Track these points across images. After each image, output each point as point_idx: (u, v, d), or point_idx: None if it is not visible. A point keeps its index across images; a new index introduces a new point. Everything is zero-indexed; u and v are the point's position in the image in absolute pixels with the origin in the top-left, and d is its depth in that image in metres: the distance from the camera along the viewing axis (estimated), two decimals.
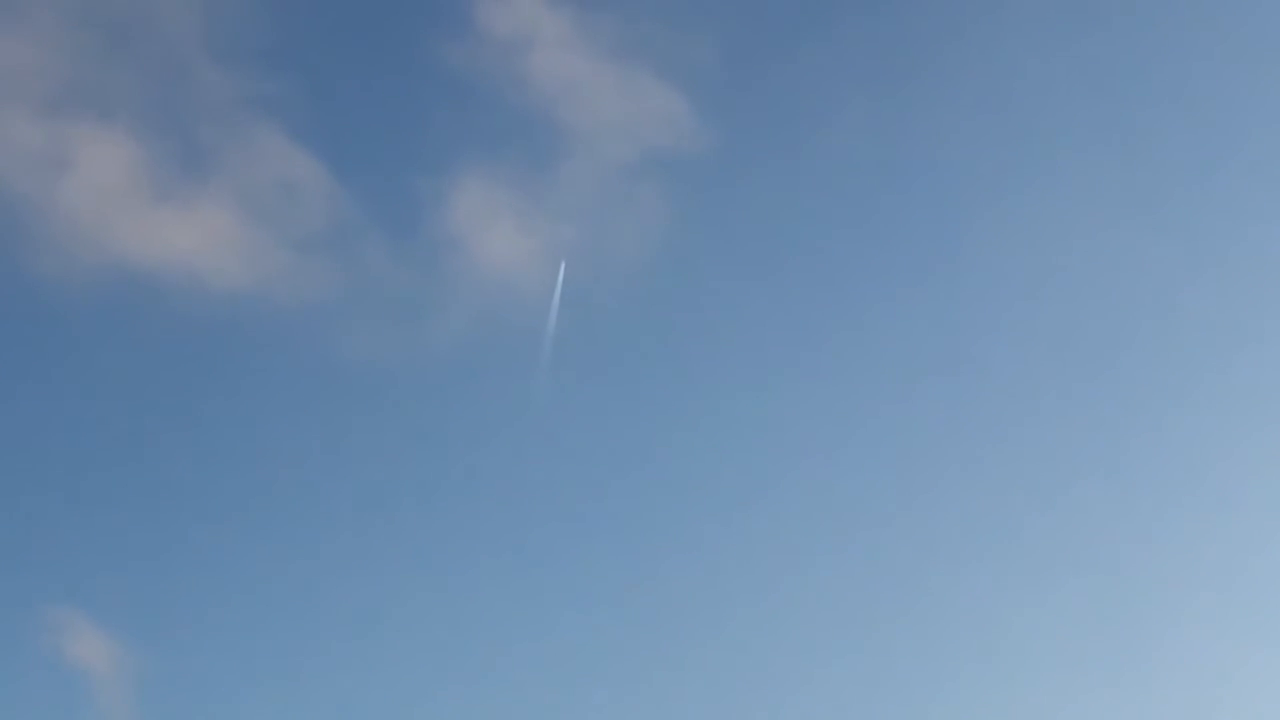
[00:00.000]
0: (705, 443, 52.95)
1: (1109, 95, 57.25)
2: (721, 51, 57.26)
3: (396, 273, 54.48)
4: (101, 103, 54.91)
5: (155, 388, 52.61)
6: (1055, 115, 57.06)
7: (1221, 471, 52.11)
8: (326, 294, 53.78)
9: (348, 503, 51.39)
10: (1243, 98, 56.45)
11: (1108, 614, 49.66)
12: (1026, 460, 52.68)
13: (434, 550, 51.05)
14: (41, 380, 52.23)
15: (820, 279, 56.06)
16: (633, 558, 51.16)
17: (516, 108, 56.23)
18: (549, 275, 54.19)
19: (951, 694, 48.14)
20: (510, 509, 51.53)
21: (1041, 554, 51.00)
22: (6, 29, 54.39)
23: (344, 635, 49.04)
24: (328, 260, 54.28)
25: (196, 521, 50.57)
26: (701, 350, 54.61)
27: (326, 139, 55.67)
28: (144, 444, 51.79)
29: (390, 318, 54.01)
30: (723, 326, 54.87)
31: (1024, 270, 55.53)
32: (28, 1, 54.72)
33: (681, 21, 57.31)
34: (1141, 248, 55.22)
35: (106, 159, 53.99)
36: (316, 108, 56.19)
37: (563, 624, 49.69)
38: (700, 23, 57.36)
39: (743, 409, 53.46)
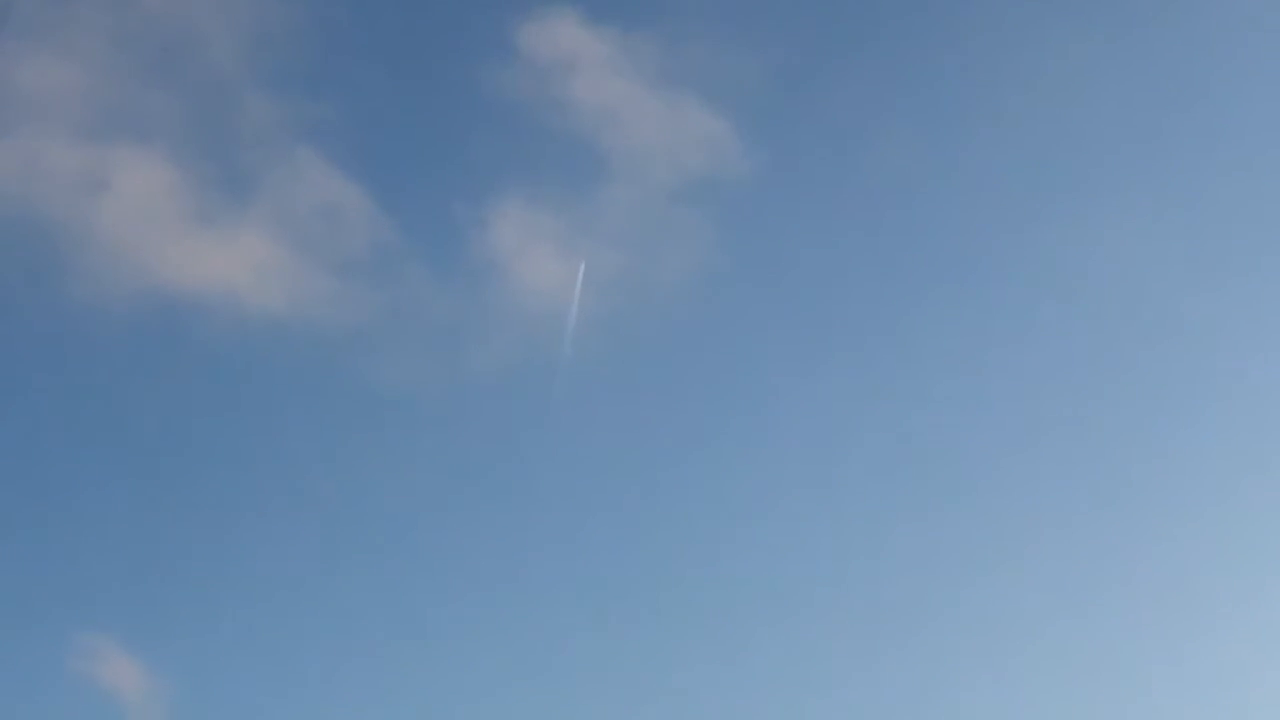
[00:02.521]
0: (748, 470, 52.46)
1: (1163, 122, 56.80)
2: (767, 75, 56.87)
3: (437, 298, 54.19)
4: (141, 126, 54.92)
5: (192, 413, 52.41)
6: (1110, 138, 56.59)
7: (1241, 486, 51.42)
8: (366, 319, 53.52)
9: (385, 529, 50.98)
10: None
11: (1123, 628, 49.22)
12: (1048, 475, 52.06)
13: (472, 577, 50.55)
14: (77, 405, 52.15)
15: (867, 306, 55.60)
16: (673, 589, 50.46)
17: (558, 132, 55.91)
18: (591, 300, 53.84)
19: (959, 709, 47.70)
20: (551, 534, 51.14)
21: (1058, 566, 50.38)
22: (45, 51, 54.46)
23: (379, 660, 48.45)
24: (368, 285, 54.05)
25: (231, 547, 50.24)
26: (745, 377, 54.10)
27: (367, 163, 55.49)
28: (180, 469, 51.62)
29: (430, 343, 53.68)
30: (767, 353, 54.37)
31: (1082, 296, 55.00)
32: (66, 23, 54.79)
33: (726, 45, 57.00)
34: (1194, 277, 54.74)
35: (145, 183, 53.90)
36: (357, 132, 56.04)
37: (602, 662, 49.22)
38: (745, 46, 57.02)
39: (787, 436, 52.92)
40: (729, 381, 53.89)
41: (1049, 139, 56.46)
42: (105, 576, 48.92)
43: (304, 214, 54.38)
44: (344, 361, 52.95)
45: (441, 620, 49.49)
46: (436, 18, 57.29)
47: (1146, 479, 51.97)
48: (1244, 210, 55.07)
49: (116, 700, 46.52)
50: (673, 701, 47.65)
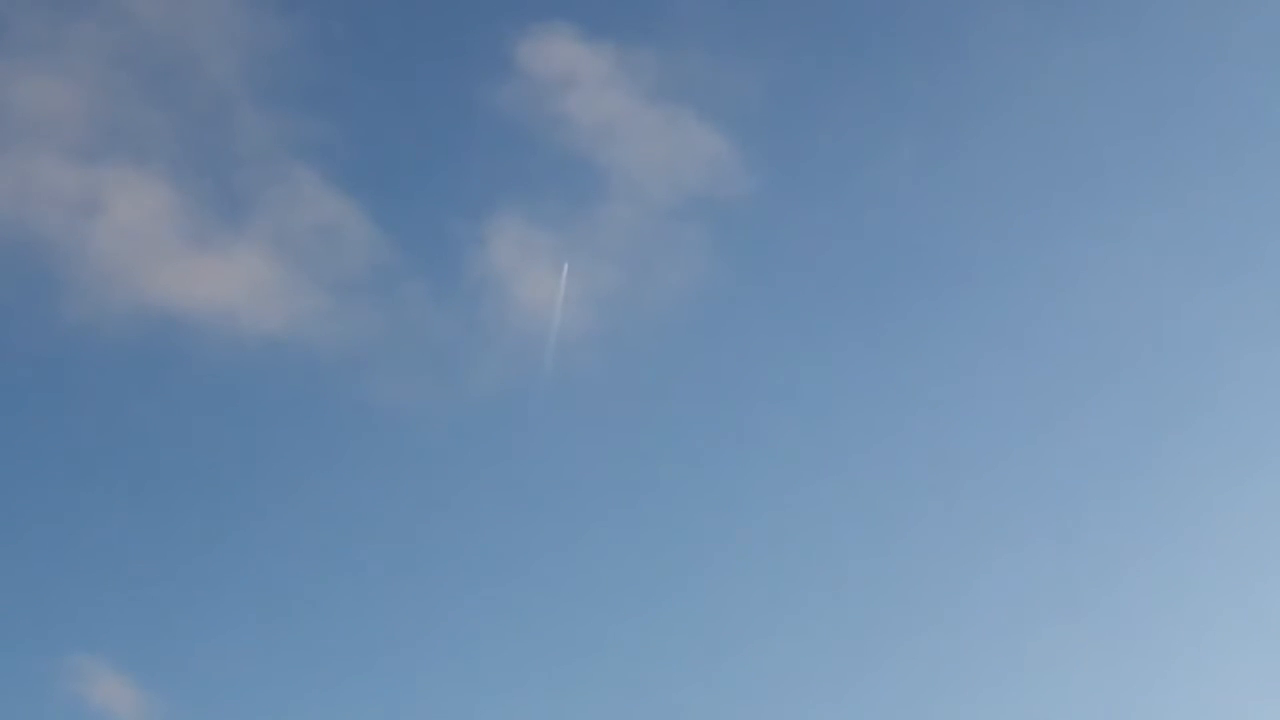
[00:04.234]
0: (746, 482, 52.26)
1: (1161, 125, 56.66)
2: (766, 92, 56.63)
3: (435, 316, 53.95)
4: (136, 145, 54.72)
5: (188, 433, 52.12)
6: (1110, 146, 56.40)
7: (1240, 485, 51.28)
8: (363, 338, 53.31)
9: (382, 548, 50.71)
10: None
11: (1121, 629, 48.98)
12: (1046, 476, 52.00)
13: (470, 593, 50.29)
14: (72, 426, 51.85)
15: (867, 322, 55.31)
16: (672, 600, 50.30)
17: (556, 149, 55.71)
18: (589, 318, 53.60)
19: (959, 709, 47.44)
20: (549, 550, 50.91)
21: (1054, 567, 50.19)
22: (41, 70, 54.31)
23: (375, 677, 48.19)
24: (365, 304, 53.83)
25: (227, 567, 50.07)
26: (743, 393, 53.80)
27: (364, 182, 55.29)
28: (175, 489, 51.38)
29: (428, 362, 53.44)
30: (765, 368, 54.11)
31: (1082, 303, 54.68)
32: (63, 42, 54.65)
33: (725, 61, 56.80)
34: (1193, 277, 54.50)
35: (141, 203, 53.70)
36: (354, 150, 55.84)
37: (599, 676, 49.03)
38: (744, 63, 56.80)
39: (785, 449, 52.55)
40: (727, 398, 53.69)
41: (1049, 151, 56.49)
42: (99, 597, 48.86)
43: (301, 233, 54.25)
44: (341, 381, 52.79)
45: (437, 637, 49.39)
46: (433, 35, 57.26)
47: (1146, 479, 52.00)
48: (1243, 211, 55.13)
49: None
50: (672, 706, 47.63)
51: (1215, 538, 50.25)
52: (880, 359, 54.39)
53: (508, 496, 51.67)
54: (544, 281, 54.11)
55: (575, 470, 51.94)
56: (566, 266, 53.09)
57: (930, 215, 55.67)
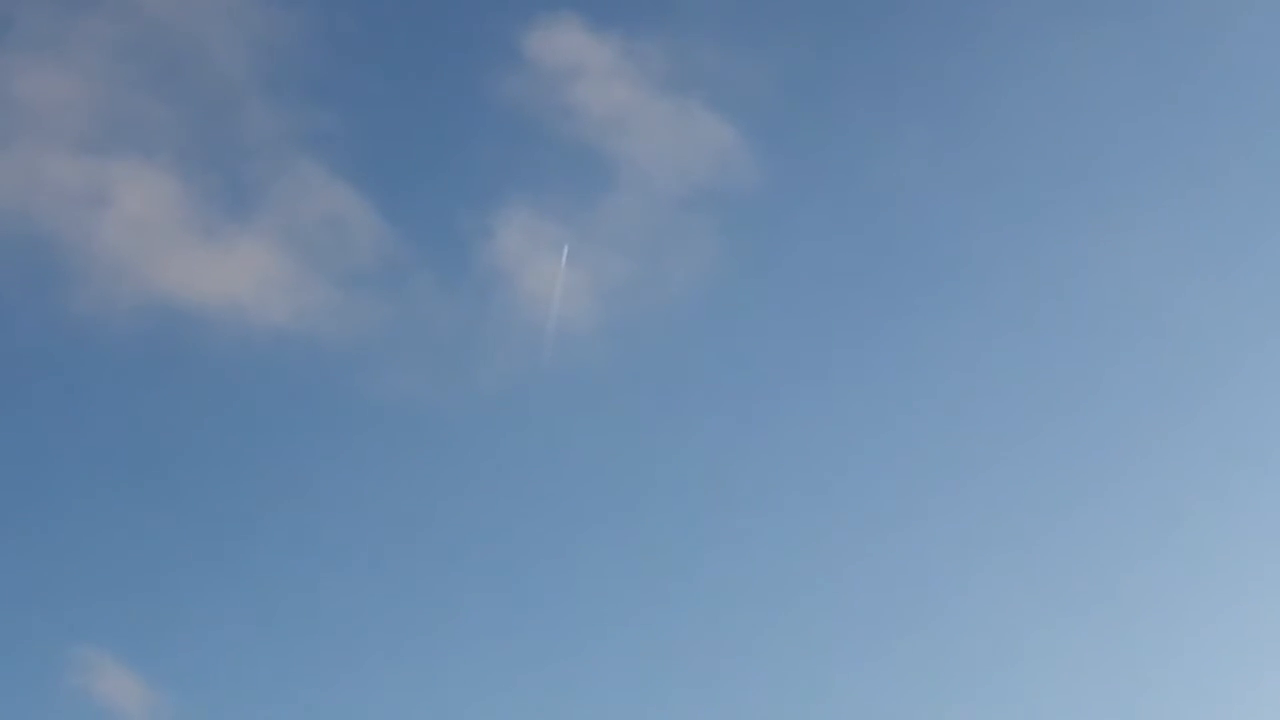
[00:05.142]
0: (753, 476, 51.98)
1: (1163, 123, 56.43)
2: (774, 81, 56.41)
3: (443, 309, 53.87)
4: (143, 138, 54.68)
5: (196, 426, 52.07)
6: (1119, 143, 56.21)
7: (1237, 481, 51.03)
8: (371, 331, 53.20)
9: (390, 543, 50.62)
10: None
11: (1119, 626, 48.73)
12: (1043, 469, 51.88)
13: (475, 588, 50.14)
14: (79, 420, 51.89)
15: (876, 315, 55.10)
16: (679, 594, 50.05)
17: (564, 140, 55.57)
18: (598, 310, 53.47)
19: (957, 708, 47.13)
20: (556, 544, 50.72)
21: (1054, 563, 49.96)
22: (46, 62, 54.27)
23: (380, 671, 48.05)
24: (373, 296, 53.71)
25: (233, 560, 49.90)
26: (752, 384, 53.62)
27: (371, 174, 55.18)
28: (182, 482, 51.28)
29: (436, 354, 53.34)
30: (774, 361, 53.96)
31: (1085, 300, 54.43)
32: (68, 34, 54.61)
33: (734, 51, 56.64)
34: (1193, 277, 54.27)
35: (148, 195, 53.66)
36: (361, 142, 55.78)
37: (606, 677, 48.90)
38: (753, 53, 56.61)
39: (792, 442, 52.43)
40: (735, 391, 53.54)
41: (1060, 144, 56.30)
42: (104, 590, 48.74)
43: (308, 225, 54.18)
44: (349, 374, 52.71)
45: (443, 630, 49.21)
46: (440, 26, 57.18)
47: (1145, 478, 51.65)
48: (1244, 210, 54.94)
49: (114, 715, 46.31)
50: (673, 702, 47.55)
51: (1215, 533, 50.27)
52: (888, 352, 54.41)
53: (516, 489, 51.67)
54: (552, 273, 54.10)
55: (582, 462, 51.89)
56: (566, 249, 53.06)
57: (939, 208, 55.63)
